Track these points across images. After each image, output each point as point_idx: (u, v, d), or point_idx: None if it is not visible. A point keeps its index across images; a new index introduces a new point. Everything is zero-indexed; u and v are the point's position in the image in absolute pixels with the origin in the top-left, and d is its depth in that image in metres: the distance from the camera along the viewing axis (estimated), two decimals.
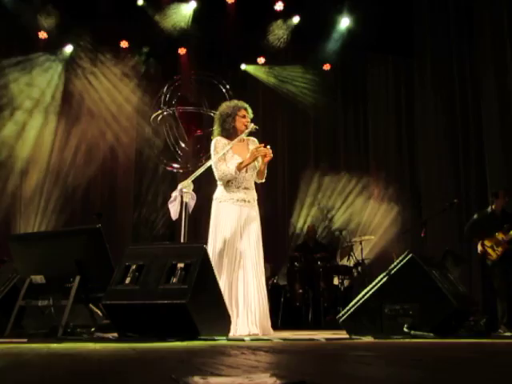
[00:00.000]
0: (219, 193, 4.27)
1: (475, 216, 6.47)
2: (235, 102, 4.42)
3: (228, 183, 4.22)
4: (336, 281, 7.92)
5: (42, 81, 8.43)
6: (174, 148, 8.82)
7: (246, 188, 4.24)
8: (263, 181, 4.38)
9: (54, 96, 8.53)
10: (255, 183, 4.40)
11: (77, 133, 8.57)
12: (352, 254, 8.12)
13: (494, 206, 6.25)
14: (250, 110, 4.39)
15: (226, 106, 4.37)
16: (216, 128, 4.38)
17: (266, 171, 4.32)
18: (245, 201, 4.21)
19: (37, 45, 8.40)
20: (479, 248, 6.16)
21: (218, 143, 4.28)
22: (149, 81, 8.98)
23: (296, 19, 8.87)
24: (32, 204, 8.27)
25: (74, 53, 8.62)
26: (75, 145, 8.59)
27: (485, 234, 6.13)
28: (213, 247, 4.12)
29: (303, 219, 9.26)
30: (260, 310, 4.06)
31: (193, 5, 8.52)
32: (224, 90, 8.52)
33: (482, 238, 6.13)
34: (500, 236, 6.01)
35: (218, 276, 3.82)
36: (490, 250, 6.07)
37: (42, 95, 8.46)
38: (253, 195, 4.30)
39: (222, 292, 3.71)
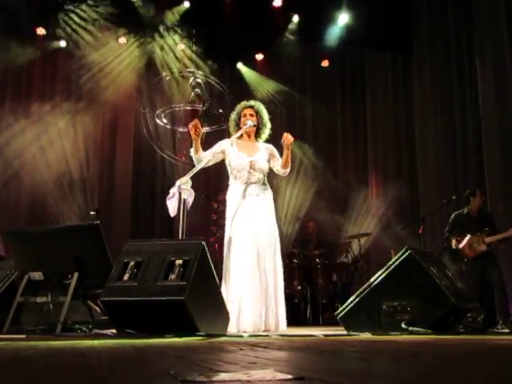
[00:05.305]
0: (228, 190, 4.43)
1: (452, 216, 6.43)
2: (244, 103, 4.59)
3: (235, 179, 4.38)
4: (334, 277, 7.92)
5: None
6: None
7: (252, 183, 4.33)
8: (287, 170, 4.39)
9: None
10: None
11: (74, 125, 8.54)
12: (350, 250, 8.12)
13: (469, 207, 6.20)
14: (261, 108, 4.54)
15: (235, 109, 4.60)
16: (231, 130, 4.61)
17: (289, 163, 4.35)
18: (251, 195, 4.31)
19: (34, 41, 8.35)
20: (454, 243, 6.10)
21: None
22: (147, 70, 8.92)
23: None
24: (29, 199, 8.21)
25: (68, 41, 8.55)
26: (72, 137, 8.56)
27: (462, 234, 6.09)
28: (226, 241, 4.24)
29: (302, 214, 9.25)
30: (255, 307, 4.06)
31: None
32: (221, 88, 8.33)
33: (459, 237, 6.10)
34: (483, 238, 5.92)
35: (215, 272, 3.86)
36: (465, 249, 6.03)
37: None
38: (259, 190, 4.35)
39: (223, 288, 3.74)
